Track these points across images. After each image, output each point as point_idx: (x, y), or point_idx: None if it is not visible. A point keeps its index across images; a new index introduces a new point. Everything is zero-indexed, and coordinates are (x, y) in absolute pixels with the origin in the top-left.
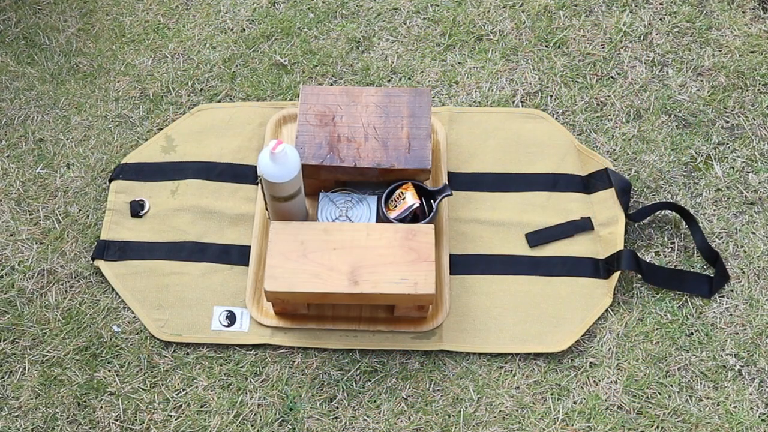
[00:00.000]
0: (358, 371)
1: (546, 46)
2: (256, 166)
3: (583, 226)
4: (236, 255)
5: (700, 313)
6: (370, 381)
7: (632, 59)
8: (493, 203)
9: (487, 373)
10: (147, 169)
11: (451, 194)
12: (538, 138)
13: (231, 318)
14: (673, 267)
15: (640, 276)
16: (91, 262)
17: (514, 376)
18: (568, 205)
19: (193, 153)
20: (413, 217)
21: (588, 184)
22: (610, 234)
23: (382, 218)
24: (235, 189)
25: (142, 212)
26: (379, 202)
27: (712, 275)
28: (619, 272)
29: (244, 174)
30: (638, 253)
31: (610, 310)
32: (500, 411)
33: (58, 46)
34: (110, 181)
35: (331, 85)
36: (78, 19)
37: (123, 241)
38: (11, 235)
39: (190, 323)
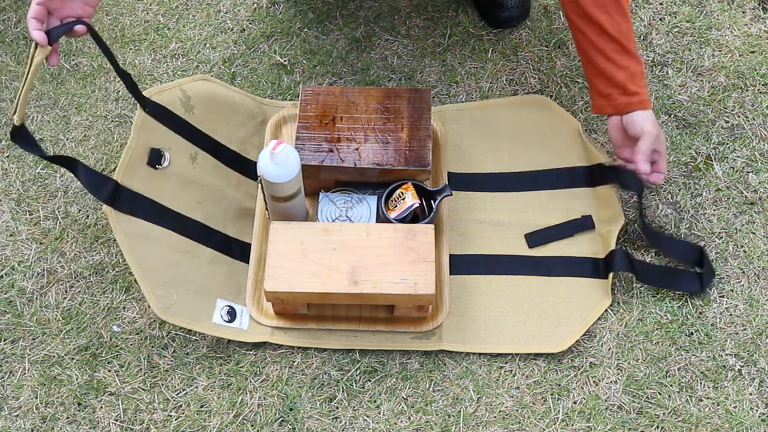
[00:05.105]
0: (358, 371)
1: (546, 46)
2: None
3: (584, 225)
4: (237, 250)
5: (700, 313)
6: (370, 381)
7: None
8: (493, 203)
9: (487, 373)
10: (169, 117)
11: (451, 194)
12: (541, 130)
13: (231, 314)
14: (667, 265)
15: (633, 276)
16: (101, 207)
17: (514, 376)
18: (569, 204)
19: (207, 125)
20: (413, 217)
21: (594, 174)
22: (608, 233)
23: (382, 218)
24: (240, 181)
25: (160, 166)
26: (379, 202)
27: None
28: (612, 273)
29: (248, 167)
30: (638, 253)
31: (610, 310)
32: (500, 411)
33: (58, 46)
34: (141, 102)
35: (331, 85)
36: None
37: (135, 193)
38: (11, 235)
39: (193, 310)
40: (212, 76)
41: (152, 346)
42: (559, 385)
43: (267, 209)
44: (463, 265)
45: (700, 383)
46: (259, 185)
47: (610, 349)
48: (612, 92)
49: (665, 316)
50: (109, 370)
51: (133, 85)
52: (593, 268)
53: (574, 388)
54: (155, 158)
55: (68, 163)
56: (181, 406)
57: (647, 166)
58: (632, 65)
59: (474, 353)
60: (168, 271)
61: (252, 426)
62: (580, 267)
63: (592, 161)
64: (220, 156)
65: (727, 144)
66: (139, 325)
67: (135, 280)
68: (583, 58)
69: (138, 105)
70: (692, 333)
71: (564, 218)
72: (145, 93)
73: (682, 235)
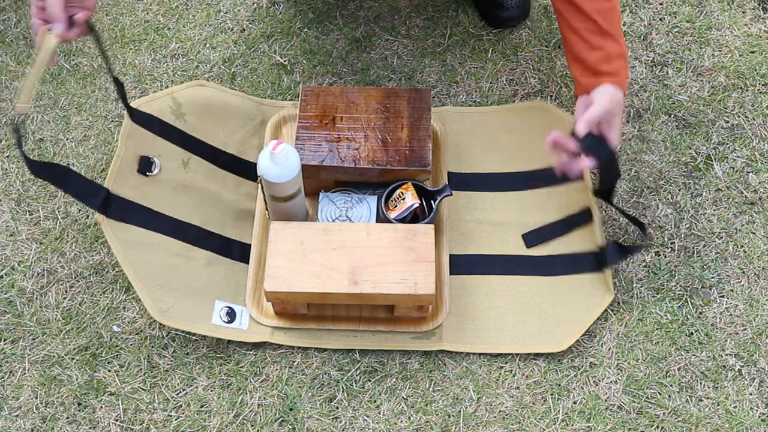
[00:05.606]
0: (358, 371)
1: (546, 46)
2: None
3: (581, 220)
4: (236, 251)
5: (700, 313)
6: (370, 381)
7: (632, 59)
8: (492, 203)
9: (487, 373)
10: (158, 125)
11: (451, 194)
12: (541, 132)
13: (231, 315)
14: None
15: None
16: (94, 214)
17: (514, 376)
18: (568, 199)
19: (201, 130)
20: (413, 217)
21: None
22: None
23: (382, 218)
24: (238, 182)
25: (151, 173)
26: (379, 202)
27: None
28: (609, 270)
29: (247, 169)
30: (639, 253)
31: (610, 310)
32: (500, 411)
33: (58, 46)
34: (129, 112)
35: (331, 85)
36: None
37: (127, 200)
38: (11, 235)
39: (191, 312)
40: (212, 76)
41: (152, 346)
42: (559, 385)
43: (267, 209)
44: (463, 265)
45: (700, 383)
46: (259, 185)
47: (610, 349)
48: (582, 74)
49: (665, 316)
50: (109, 370)
51: (123, 95)
52: (592, 263)
53: (574, 388)
54: (145, 166)
55: (58, 175)
56: (181, 406)
57: (583, 128)
58: (608, 46)
59: (474, 353)
60: (164, 275)
61: (252, 426)
62: (579, 263)
63: None
64: (215, 160)
65: (727, 144)
66: (139, 325)
67: None
68: (564, 43)
69: (126, 114)
70: (692, 333)
71: (563, 215)
72: (134, 103)
73: (682, 235)
